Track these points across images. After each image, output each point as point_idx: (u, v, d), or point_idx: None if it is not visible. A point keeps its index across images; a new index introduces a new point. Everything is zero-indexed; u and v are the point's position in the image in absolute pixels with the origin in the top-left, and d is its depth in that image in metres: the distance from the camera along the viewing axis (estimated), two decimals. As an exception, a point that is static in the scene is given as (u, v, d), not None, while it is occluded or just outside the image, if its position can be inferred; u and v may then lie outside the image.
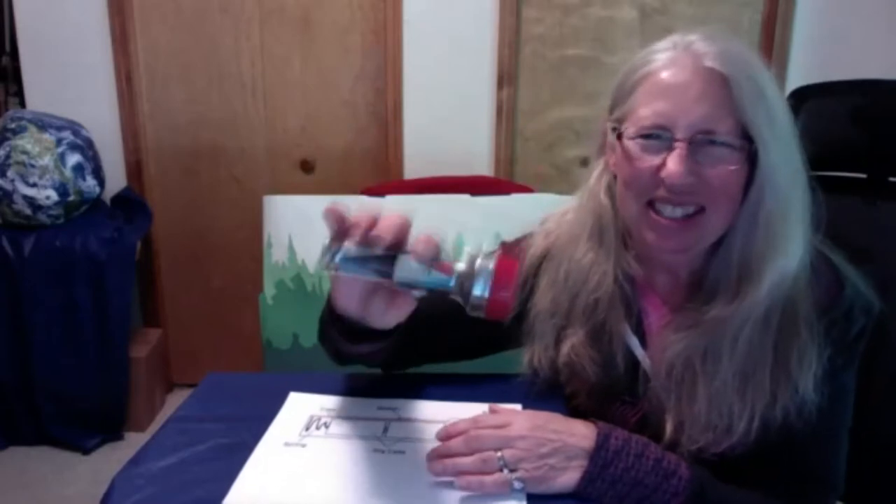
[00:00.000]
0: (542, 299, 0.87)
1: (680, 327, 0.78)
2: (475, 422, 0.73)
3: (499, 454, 0.69)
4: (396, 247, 0.63)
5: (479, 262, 0.58)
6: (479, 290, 0.57)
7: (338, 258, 0.60)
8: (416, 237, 0.63)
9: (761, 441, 0.74)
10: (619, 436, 0.72)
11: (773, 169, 0.73)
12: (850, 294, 0.77)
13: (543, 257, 0.89)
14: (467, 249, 0.59)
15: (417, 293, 0.63)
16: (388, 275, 0.60)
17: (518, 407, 0.85)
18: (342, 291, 0.72)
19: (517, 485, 0.68)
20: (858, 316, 0.77)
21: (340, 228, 0.63)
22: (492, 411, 0.78)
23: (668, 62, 0.76)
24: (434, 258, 0.60)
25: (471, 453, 0.70)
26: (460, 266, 0.59)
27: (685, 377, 0.77)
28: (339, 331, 0.78)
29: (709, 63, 0.73)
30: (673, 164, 0.72)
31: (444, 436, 0.73)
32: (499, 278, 0.58)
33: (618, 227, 0.84)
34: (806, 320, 0.75)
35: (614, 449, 0.70)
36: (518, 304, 0.88)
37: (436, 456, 0.71)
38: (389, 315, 0.71)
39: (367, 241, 0.61)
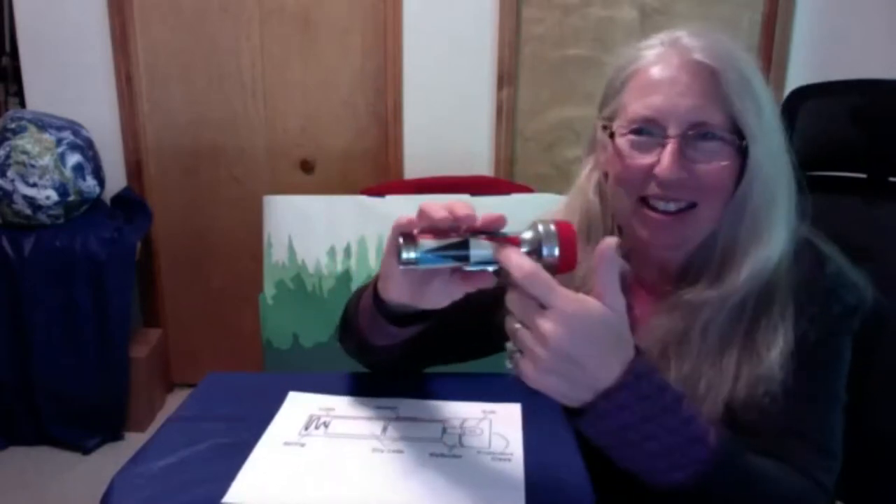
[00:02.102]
0: None
1: (661, 312, 0.79)
2: (530, 275, 0.59)
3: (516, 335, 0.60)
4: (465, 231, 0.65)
5: (541, 227, 0.63)
6: (549, 250, 0.63)
7: (415, 254, 0.64)
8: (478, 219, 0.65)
9: (730, 420, 0.74)
10: (652, 383, 0.63)
11: (761, 162, 0.74)
12: (833, 273, 0.77)
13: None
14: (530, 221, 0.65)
15: (492, 268, 0.66)
16: (464, 258, 0.64)
17: (518, 407, 0.85)
18: (395, 282, 0.71)
19: (508, 364, 0.61)
20: (844, 295, 0.76)
21: (410, 230, 0.64)
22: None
23: (656, 58, 0.77)
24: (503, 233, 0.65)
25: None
26: (527, 234, 0.64)
27: (661, 363, 0.77)
28: (385, 317, 0.77)
29: (696, 56, 0.74)
30: (665, 160, 0.73)
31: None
32: (562, 236, 0.63)
33: (606, 224, 0.85)
34: (780, 302, 0.75)
35: (642, 392, 0.62)
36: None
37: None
38: (448, 293, 0.69)
39: (453, 229, 0.64)
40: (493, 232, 0.65)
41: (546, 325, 0.58)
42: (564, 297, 0.58)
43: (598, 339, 0.60)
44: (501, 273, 0.64)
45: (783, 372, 0.73)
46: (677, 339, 0.77)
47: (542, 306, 0.59)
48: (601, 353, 0.60)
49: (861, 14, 2.22)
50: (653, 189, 0.76)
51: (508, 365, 0.62)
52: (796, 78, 2.37)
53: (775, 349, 0.74)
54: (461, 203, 0.65)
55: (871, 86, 1.13)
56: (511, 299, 0.61)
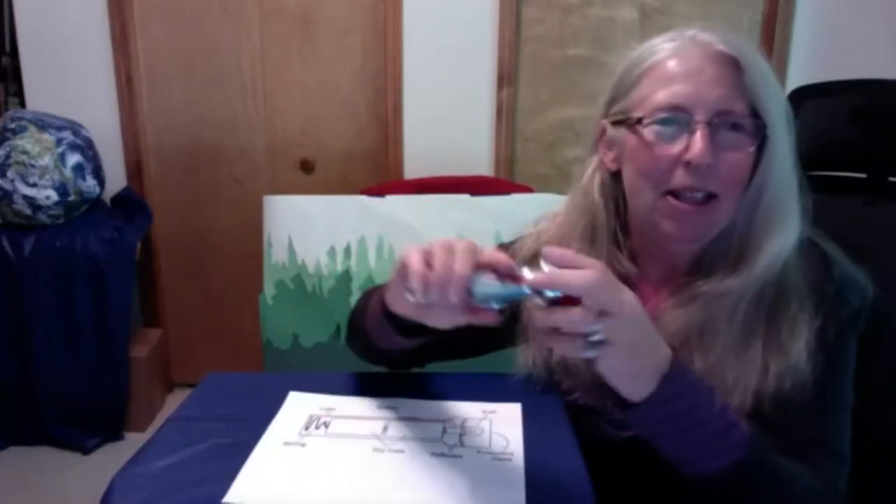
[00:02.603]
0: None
1: (677, 305, 0.79)
2: (594, 263, 0.62)
3: (598, 325, 0.60)
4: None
5: (545, 267, 0.64)
6: (553, 290, 0.63)
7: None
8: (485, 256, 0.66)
9: (756, 413, 0.74)
10: (693, 372, 0.68)
11: (779, 152, 0.75)
12: (839, 276, 0.78)
13: (536, 254, 0.90)
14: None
15: (496, 305, 0.67)
16: (469, 294, 0.65)
17: (518, 406, 0.85)
18: (401, 301, 0.71)
19: (591, 354, 0.62)
20: (850, 297, 0.77)
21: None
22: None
23: (674, 51, 0.77)
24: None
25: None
26: (528, 275, 0.64)
27: (682, 355, 0.77)
28: (393, 326, 0.78)
29: (720, 48, 0.75)
30: (697, 144, 0.73)
31: (566, 262, 0.62)
32: None
33: (610, 225, 0.85)
34: (797, 297, 0.76)
35: (689, 381, 0.66)
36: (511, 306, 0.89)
37: (543, 279, 0.61)
38: (452, 318, 0.69)
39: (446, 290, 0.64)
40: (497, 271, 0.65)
41: (624, 312, 0.61)
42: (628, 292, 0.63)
43: (652, 329, 0.66)
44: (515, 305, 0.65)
45: (810, 363, 0.74)
46: (699, 331, 0.77)
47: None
48: (658, 340, 0.66)
49: (861, 14, 2.22)
50: (679, 179, 0.76)
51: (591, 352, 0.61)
52: (796, 78, 2.37)
53: (799, 341, 0.74)
54: (460, 260, 0.64)
55: (871, 86, 1.13)
56: (573, 312, 0.60)
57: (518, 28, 2.47)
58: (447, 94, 2.52)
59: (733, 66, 0.74)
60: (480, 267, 0.65)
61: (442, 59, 2.49)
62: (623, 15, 2.46)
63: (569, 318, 0.60)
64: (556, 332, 0.61)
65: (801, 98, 1.16)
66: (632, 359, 0.64)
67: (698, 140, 0.73)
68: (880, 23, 2.10)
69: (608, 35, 2.47)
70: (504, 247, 0.95)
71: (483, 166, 2.56)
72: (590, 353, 0.62)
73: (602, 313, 0.60)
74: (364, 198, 1.90)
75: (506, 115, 2.52)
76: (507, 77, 2.48)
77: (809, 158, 1.14)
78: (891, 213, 1.06)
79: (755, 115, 0.74)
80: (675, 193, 0.77)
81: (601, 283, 0.60)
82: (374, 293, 0.84)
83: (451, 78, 2.51)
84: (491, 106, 2.52)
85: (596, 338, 0.61)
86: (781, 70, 2.40)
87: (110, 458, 2.33)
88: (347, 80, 2.56)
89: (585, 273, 0.60)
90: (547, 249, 0.62)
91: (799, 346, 0.74)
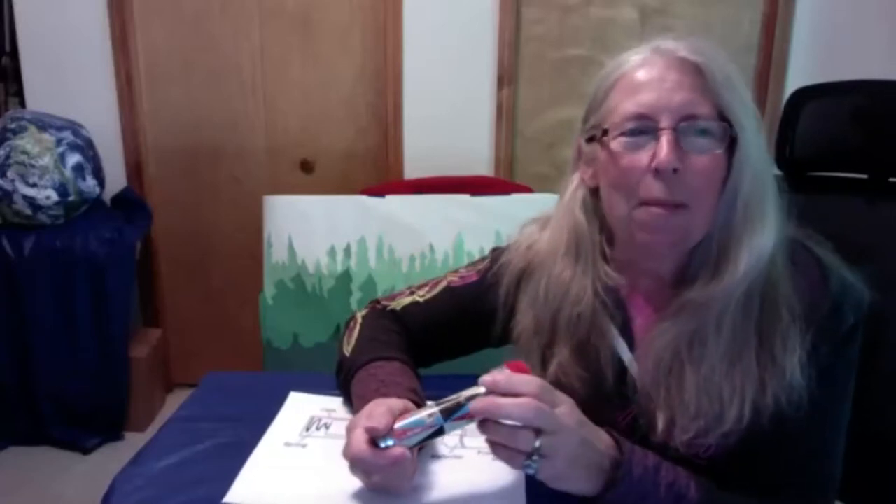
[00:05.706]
0: (525, 318, 0.88)
1: (665, 317, 0.78)
2: (529, 386, 0.68)
3: (537, 443, 0.66)
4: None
5: (464, 395, 0.70)
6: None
7: (392, 441, 0.71)
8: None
9: (754, 429, 0.74)
10: (638, 454, 0.72)
11: (749, 151, 0.75)
12: (836, 289, 0.76)
13: (524, 272, 0.90)
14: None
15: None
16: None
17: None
18: None
19: (530, 471, 0.68)
20: (847, 313, 0.76)
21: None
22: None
23: (640, 62, 0.78)
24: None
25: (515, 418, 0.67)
26: (446, 404, 0.70)
27: (673, 367, 0.77)
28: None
29: (682, 54, 0.76)
30: (663, 149, 0.73)
31: (502, 388, 0.68)
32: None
33: (594, 240, 0.84)
34: (787, 306, 0.75)
35: (637, 473, 0.70)
36: (502, 319, 0.91)
37: (484, 406, 0.67)
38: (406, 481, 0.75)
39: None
40: (451, 412, 0.70)
41: (562, 417, 0.67)
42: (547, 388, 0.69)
43: (591, 432, 0.70)
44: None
45: (804, 380, 0.73)
46: (688, 342, 0.76)
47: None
48: (597, 440, 0.70)
49: (861, 14, 2.22)
50: (649, 189, 0.75)
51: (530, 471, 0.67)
52: (796, 78, 2.37)
53: (793, 355, 0.73)
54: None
55: (871, 86, 1.13)
56: (515, 434, 0.66)
57: (518, 28, 2.47)
58: (447, 94, 2.52)
59: (696, 71, 0.75)
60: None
61: (442, 59, 2.49)
62: (623, 15, 2.46)
63: (511, 438, 0.66)
64: (498, 445, 0.67)
65: (802, 99, 1.16)
66: (569, 467, 0.68)
67: (664, 145, 0.73)
68: (880, 23, 2.10)
69: (608, 35, 2.47)
70: (499, 251, 0.96)
71: (483, 166, 2.56)
72: (529, 469, 0.67)
73: (540, 432, 0.66)
74: (364, 198, 1.90)
75: (506, 115, 2.52)
76: (507, 77, 2.48)
77: (810, 159, 1.14)
78: (891, 213, 1.06)
79: (722, 118, 0.74)
80: (647, 203, 0.76)
81: (536, 409, 0.66)
82: (355, 371, 0.86)
83: (451, 78, 2.51)
84: (491, 106, 2.52)
85: (535, 456, 0.66)
86: (781, 70, 2.40)
87: (110, 458, 2.32)
88: (347, 80, 2.56)
89: (520, 402, 0.66)
90: (484, 378, 0.68)
91: (793, 360, 0.73)
